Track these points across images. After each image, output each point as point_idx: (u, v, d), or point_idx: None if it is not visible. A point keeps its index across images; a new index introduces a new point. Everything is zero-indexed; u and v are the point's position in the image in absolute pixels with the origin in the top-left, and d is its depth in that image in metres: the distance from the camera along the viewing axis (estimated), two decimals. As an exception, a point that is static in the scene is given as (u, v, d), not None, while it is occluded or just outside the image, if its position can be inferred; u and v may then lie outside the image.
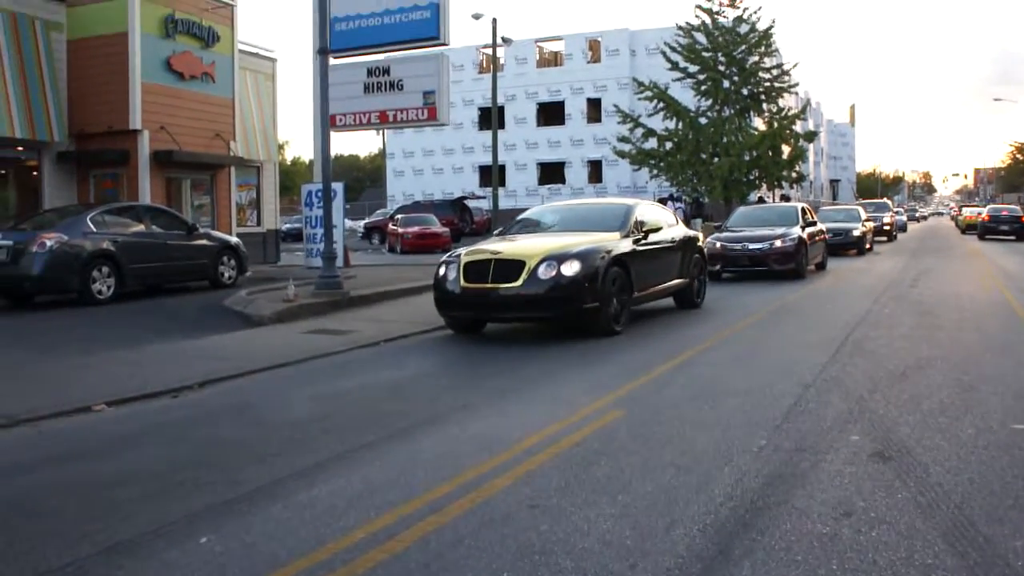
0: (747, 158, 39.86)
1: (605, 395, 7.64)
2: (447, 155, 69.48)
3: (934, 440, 5.88)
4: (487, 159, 54.73)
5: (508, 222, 14.34)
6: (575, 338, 10.93)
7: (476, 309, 11.50)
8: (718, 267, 19.41)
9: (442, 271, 11.61)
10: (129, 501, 5.13)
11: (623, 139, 41.55)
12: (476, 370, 9.39)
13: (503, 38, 41.86)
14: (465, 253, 11.67)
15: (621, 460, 5.57)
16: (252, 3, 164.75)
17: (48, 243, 15.34)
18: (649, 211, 13.67)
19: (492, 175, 41.50)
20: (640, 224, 12.55)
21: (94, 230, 16.17)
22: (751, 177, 40.78)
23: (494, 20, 39.35)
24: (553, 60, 69.22)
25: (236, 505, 4.99)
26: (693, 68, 41.32)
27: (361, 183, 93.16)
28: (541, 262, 10.81)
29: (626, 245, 11.88)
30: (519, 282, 10.76)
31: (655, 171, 41.82)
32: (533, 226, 13.50)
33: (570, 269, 10.76)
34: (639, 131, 41.12)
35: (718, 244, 19.76)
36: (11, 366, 9.99)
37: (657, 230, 12.97)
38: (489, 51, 47.52)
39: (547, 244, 11.51)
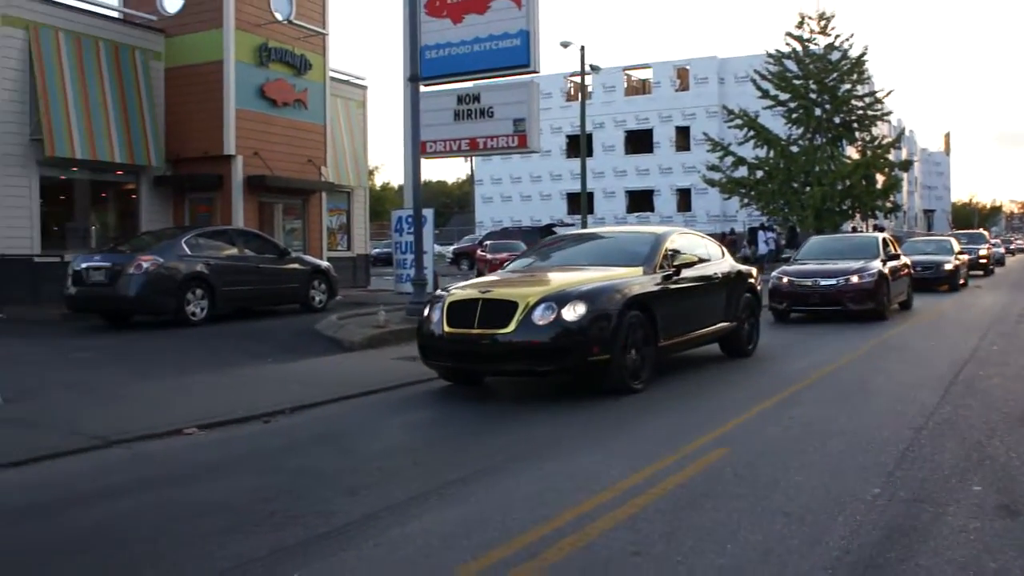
0: (840, 187, 39.06)
1: (704, 436, 7.37)
2: (535, 182, 69.70)
3: (1063, 491, 5.49)
4: (575, 186, 54.82)
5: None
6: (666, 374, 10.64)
7: (460, 359, 9.49)
8: (784, 305, 17.45)
9: (427, 311, 9.87)
10: (218, 531, 5.03)
11: (713, 167, 41.08)
12: (574, 403, 8.92)
13: (591, 66, 41.76)
14: (452, 290, 9.98)
15: (727, 504, 5.31)
16: (344, 32, 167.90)
17: (144, 265, 15.60)
18: (685, 241, 11.60)
19: (580, 202, 41.33)
20: (671, 257, 10.63)
21: (189, 253, 16.41)
22: (844, 207, 39.94)
23: (582, 48, 39.30)
24: (641, 88, 69.12)
25: (327, 540, 4.84)
26: (784, 96, 40.71)
27: (449, 209, 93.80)
28: (538, 304, 8.91)
29: (650, 283, 9.96)
30: (510, 327, 8.83)
31: (745, 200, 41.23)
32: (542, 258, 11.72)
33: (572, 313, 8.86)
34: (729, 159, 40.61)
35: (785, 279, 17.59)
36: (107, 386, 10.09)
37: (693, 264, 10.94)
38: (577, 79, 47.53)
39: (549, 282, 9.69)
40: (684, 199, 64.79)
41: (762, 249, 39.21)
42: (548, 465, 6.41)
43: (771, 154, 40.20)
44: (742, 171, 40.67)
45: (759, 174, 40.38)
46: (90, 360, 12.30)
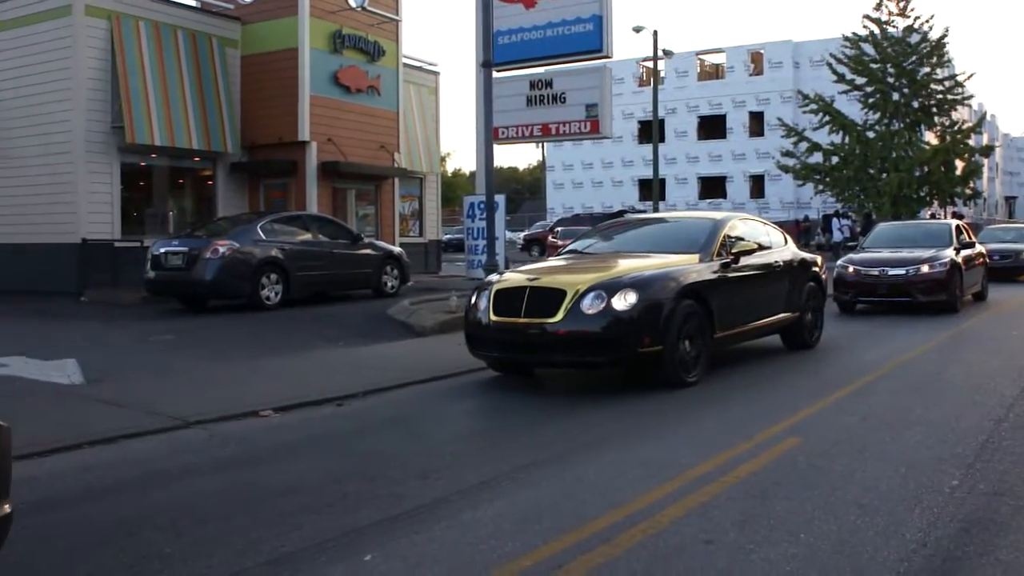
0: (918, 174, 38.25)
1: (773, 426, 7.30)
2: (606, 168, 69.37)
3: None
4: (647, 172, 54.42)
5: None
6: (731, 364, 10.54)
7: (506, 349, 9.20)
8: (849, 296, 16.72)
9: (473, 298, 9.61)
10: (293, 512, 5.13)
11: (787, 153, 40.50)
12: (640, 391, 8.77)
13: (664, 51, 41.40)
14: (500, 278, 9.73)
15: (801, 494, 5.27)
16: (416, 18, 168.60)
17: (221, 250, 15.87)
18: (745, 228, 11.16)
19: (652, 189, 41.05)
20: (729, 245, 10.18)
21: (264, 238, 16.65)
22: (921, 194, 39.11)
23: (655, 33, 38.89)
24: (714, 73, 68.33)
25: (399, 522, 4.91)
26: (860, 80, 39.93)
27: (520, 195, 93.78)
28: (586, 292, 8.58)
29: (706, 271, 9.56)
30: (557, 317, 8.53)
31: (820, 186, 40.59)
32: (595, 245, 11.44)
33: (623, 302, 8.52)
34: (803, 145, 39.98)
35: (851, 268, 16.73)
36: (184, 368, 10.32)
37: (752, 251, 10.53)
38: (649, 64, 47.11)
39: (599, 269, 9.39)
40: (757, 185, 63.96)
41: (836, 237, 38.52)
42: (618, 452, 6.41)
43: (847, 140, 39.49)
44: (817, 157, 40.02)
45: (834, 160, 39.69)
46: (168, 343, 12.57)
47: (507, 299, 9.00)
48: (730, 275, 9.93)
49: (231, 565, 4.33)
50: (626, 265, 9.40)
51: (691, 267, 9.44)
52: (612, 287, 8.63)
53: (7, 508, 3.30)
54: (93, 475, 6.05)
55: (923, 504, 5.03)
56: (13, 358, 10.52)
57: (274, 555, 4.46)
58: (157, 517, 5.09)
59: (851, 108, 40.94)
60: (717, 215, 11.62)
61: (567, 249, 11.58)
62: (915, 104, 39.60)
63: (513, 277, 9.48)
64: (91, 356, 10.83)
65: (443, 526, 4.83)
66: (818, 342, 12.05)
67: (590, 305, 8.51)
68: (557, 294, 8.67)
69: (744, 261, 10.25)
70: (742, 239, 10.51)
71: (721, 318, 9.52)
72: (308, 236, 17.90)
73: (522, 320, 8.77)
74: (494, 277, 9.96)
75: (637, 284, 8.72)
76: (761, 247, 11.02)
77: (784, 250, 11.78)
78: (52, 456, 6.49)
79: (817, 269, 12.39)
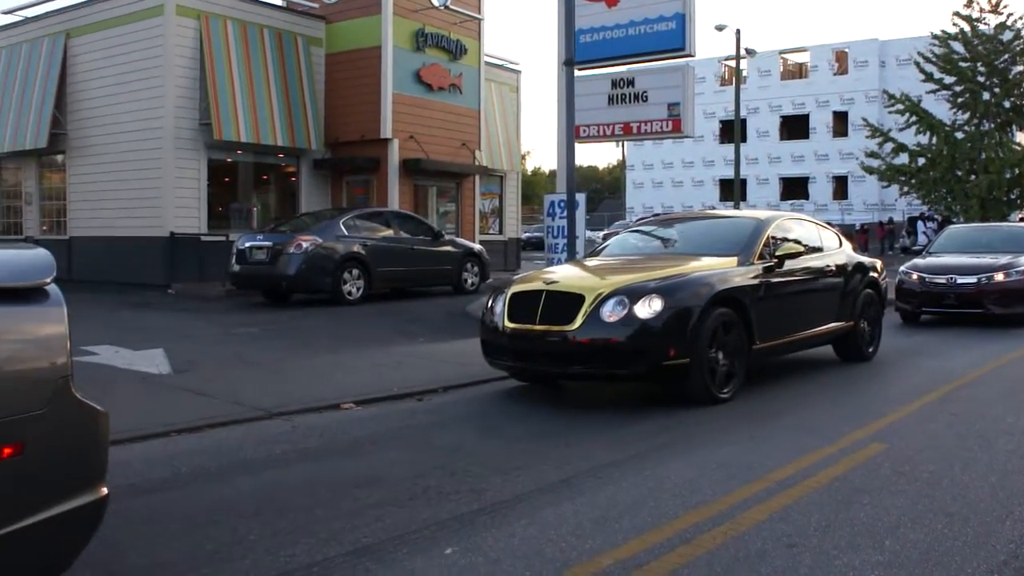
0: (1008, 176, 37.21)
1: (859, 428, 7.18)
2: (687, 168, 68.88)
3: None
4: (728, 172, 53.87)
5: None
6: (824, 367, 10.37)
7: (520, 358, 8.50)
8: (911, 306, 15.24)
9: (490, 302, 8.92)
10: (374, 504, 5.18)
11: (871, 154, 39.71)
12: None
13: (746, 50, 40.91)
14: (517, 281, 9.12)
15: (886, 501, 5.17)
16: (498, 17, 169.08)
17: (304, 245, 16.12)
18: (793, 228, 10.26)
19: (733, 189, 40.61)
20: (773, 246, 9.36)
21: (346, 234, 16.86)
22: (1012, 196, 38.05)
23: (737, 31, 38.44)
24: (797, 72, 67.40)
25: (480, 517, 4.93)
26: (949, 79, 38.97)
27: (599, 194, 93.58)
28: (607, 297, 7.90)
29: (745, 276, 8.75)
30: (575, 324, 7.86)
31: (905, 188, 39.73)
32: (625, 246, 10.65)
33: (646, 309, 7.79)
34: (889, 146, 39.18)
35: (915, 275, 15.22)
36: (267, 360, 10.49)
37: (799, 254, 9.61)
38: (731, 63, 46.65)
39: (624, 272, 8.72)
40: (840, 187, 62.91)
41: (921, 240, 37.75)
42: (698, 452, 6.35)
43: (934, 140, 38.56)
44: (902, 158, 39.17)
45: (921, 161, 38.81)
46: (252, 335, 12.80)
47: (523, 304, 8.37)
48: (773, 280, 9.12)
49: (313, 554, 4.39)
50: (654, 269, 8.64)
51: (727, 271, 8.68)
52: (635, 292, 7.94)
53: (104, 490, 3.40)
54: (180, 462, 6.19)
55: (1014, 515, 4.89)
56: (104, 347, 10.81)
57: (356, 546, 4.51)
58: (240, 505, 5.19)
59: (939, 108, 40.00)
60: (761, 214, 10.64)
61: (594, 251, 10.99)
62: (1007, 104, 38.50)
63: (531, 280, 8.86)
64: (178, 347, 11.09)
65: (523, 522, 4.84)
66: (875, 354, 11.19)
67: (611, 312, 7.85)
68: (575, 299, 8.02)
69: (790, 265, 9.44)
70: (788, 240, 9.70)
71: (762, 327, 8.72)
72: (390, 232, 18.08)
73: (537, 327, 8.14)
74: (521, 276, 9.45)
75: (663, 289, 7.98)
76: (810, 249, 10.17)
77: (837, 253, 10.85)
78: (141, 443, 6.67)
79: (875, 274, 11.42)
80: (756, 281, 8.85)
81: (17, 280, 3.18)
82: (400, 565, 4.25)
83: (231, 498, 5.37)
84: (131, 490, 5.47)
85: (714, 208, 53.38)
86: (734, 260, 8.91)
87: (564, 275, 8.91)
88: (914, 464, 5.93)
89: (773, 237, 9.53)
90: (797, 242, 9.77)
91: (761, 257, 9.12)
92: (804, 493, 5.28)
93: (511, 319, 8.35)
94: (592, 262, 10.04)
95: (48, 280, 3.25)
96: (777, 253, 9.27)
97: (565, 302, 8.04)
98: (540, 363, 8.33)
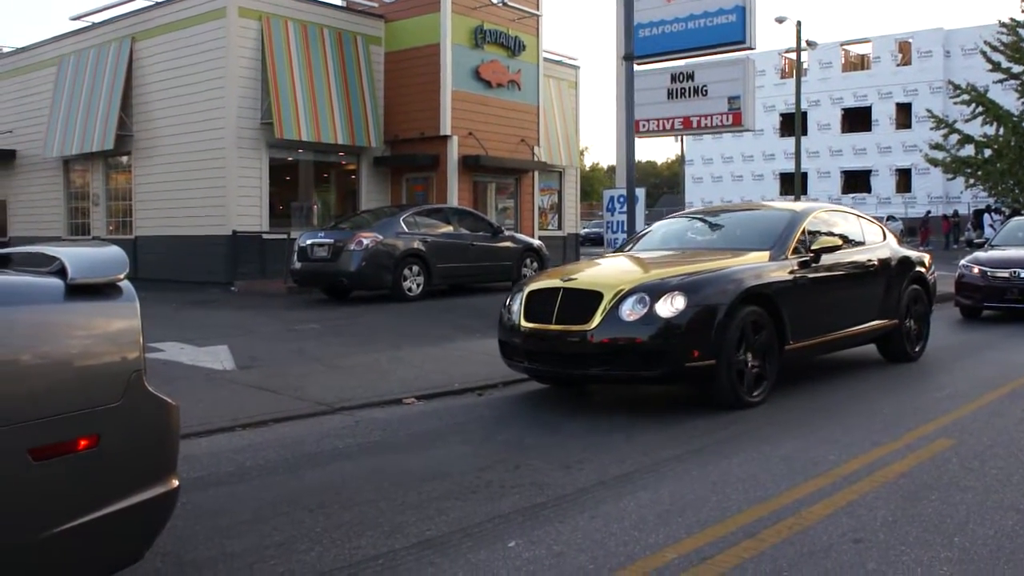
0: (1079, 168, 36.35)
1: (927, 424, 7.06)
2: (747, 162, 68.30)
3: None
4: (788, 166, 53.39)
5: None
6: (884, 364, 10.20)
7: (536, 359, 8.04)
8: (972, 301, 14.77)
9: (508, 300, 8.52)
10: (438, 497, 5.22)
11: (936, 146, 38.97)
12: (780, 385, 8.39)
13: (807, 42, 40.45)
14: (535, 278, 8.66)
15: (954, 496, 5.09)
16: (556, 13, 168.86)
17: (365, 242, 16.24)
18: (831, 221, 9.78)
19: (794, 183, 40.19)
20: (809, 240, 8.90)
21: (406, 230, 16.96)
22: (1082, 189, 37.17)
23: (798, 23, 38.01)
24: (859, 63, 66.44)
25: (542, 511, 4.94)
26: (1018, 68, 38.14)
27: (658, 189, 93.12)
28: (627, 295, 7.47)
29: (777, 271, 8.29)
30: (592, 324, 7.44)
31: (971, 181, 38.97)
32: (650, 242, 10.08)
33: (668, 307, 7.35)
34: (954, 137, 38.44)
35: (976, 269, 14.70)
36: (329, 356, 10.59)
37: (837, 248, 9.14)
38: (791, 55, 46.14)
39: (646, 268, 8.34)
40: (904, 179, 61.97)
41: (988, 233, 36.97)
42: (761, 447, 6.29)
43: (1001, 131, 37.78)
44: (968, 150, 38.40)
45: (987, 153, 38.03)
46: (314, 331, 12.92)
47: (540, 302, 7.95)
48: (808, 276, 8.62)
49: (378, 546, 4.44)
50: (679, 264, 8.30)
51: (758, 266, 8.22)
52: (657, 289, 7.50)
53: (175, 482, 3.46)
54: (245, 456, 6.29)
55: (1090, 510, 4.79)
56: (169, 344, 10.99)
57: (420, 538, 4.54)
58: (306, 498, 5.26)
59: (1007, 98, 39.16)
60: (797, 206, 10.00)
61: (622, 246, 10.54)
62: (1078, 93, 37.63)
63: (550, 276, 8.44)
64: (241, 343, 11.26)
65: (586, 516, 4.84)
66: (922, 354, 10.63)
67: (631, 310, 7.41)
68: (593, 297, 7.59)
69: (827, 259, 8.96)
70: (825, 234, 9.24)
71: (796, 326, 8.24)
72: (449, 229, 18.14)
73: (554, 327, 7.73)
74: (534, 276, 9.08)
75: (687, 286, 7.54)
76: (851, 243, 9.70)
77: (881, 247, 10.27)
78: (207, 437, 6.79)
79: (922, 270, 10.86)
80: (789, 277, 8.41)
81: (93, 276, 3.25)
82: (464, 558, 4.28)
83: (296, 491, 5.43)
84: (198, 483, 5.57)
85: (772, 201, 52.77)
86: (766, 255, 8.51)
87: (584, 271, 8.54)
88: (983, 460, 5.82)
89: (808, 230, 9.10)
90: (835, 235, 9.35)
91: (796, 251, 8.71)
92: (870, 488, 5.21)
93: (528, 318, 7.98)
94: (614, 258, 9.63)
95: (122, 276, 3.32)
96: (813, 247, 8.84)
97: (583, 300, 7.66)
98: (556, 364, 7.93)
